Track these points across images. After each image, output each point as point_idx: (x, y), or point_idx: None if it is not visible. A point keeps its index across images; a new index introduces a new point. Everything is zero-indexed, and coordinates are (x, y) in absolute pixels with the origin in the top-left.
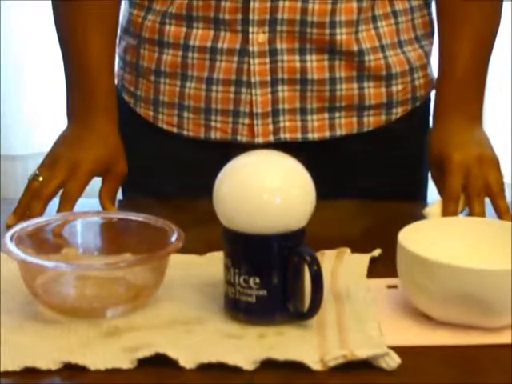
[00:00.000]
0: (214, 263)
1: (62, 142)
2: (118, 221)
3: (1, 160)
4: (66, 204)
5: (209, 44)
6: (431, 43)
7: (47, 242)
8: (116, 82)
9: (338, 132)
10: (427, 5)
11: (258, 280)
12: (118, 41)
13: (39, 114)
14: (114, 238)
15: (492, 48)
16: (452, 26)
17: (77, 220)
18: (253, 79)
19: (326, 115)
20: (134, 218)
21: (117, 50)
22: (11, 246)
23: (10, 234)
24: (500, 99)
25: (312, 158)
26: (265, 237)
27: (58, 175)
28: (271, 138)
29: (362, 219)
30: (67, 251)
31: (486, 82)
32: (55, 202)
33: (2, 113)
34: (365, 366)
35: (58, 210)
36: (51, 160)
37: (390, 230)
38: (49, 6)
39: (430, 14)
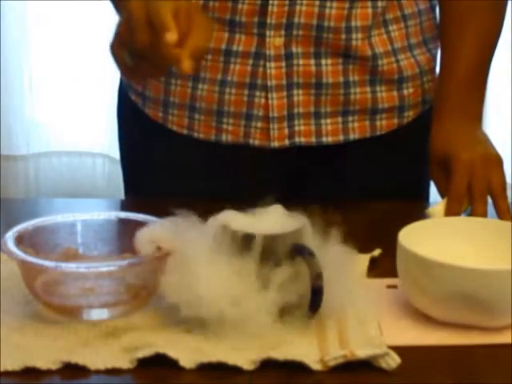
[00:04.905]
0: None
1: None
2: (118, 221)
3: (1, 160)
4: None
5: (223, 46)
6: (437, 47)
7: (47, 242)
8: (122, 80)
9: (352, 136)
10: (433, 8)
11: None
12: None
13: (40, 114)
14: (114, 238)
15: (495, 48)
16: (455, 25)
17: (77, 220)
18: (269, 83)
19: (340, 119)
20: (133, 218)
21: None
22: (11, 246)
23: (10, 233)
24: (500, 99)
25: (324, 161)
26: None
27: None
28: (286, 142)
29: (362, 219)
30: (67, 251)
31: (487, 82)
32: (56, 202)
33: (3, 113)
34: (365, 366)
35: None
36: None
37: (390, 230)
38: (49, 5)
39: (435, 17)
